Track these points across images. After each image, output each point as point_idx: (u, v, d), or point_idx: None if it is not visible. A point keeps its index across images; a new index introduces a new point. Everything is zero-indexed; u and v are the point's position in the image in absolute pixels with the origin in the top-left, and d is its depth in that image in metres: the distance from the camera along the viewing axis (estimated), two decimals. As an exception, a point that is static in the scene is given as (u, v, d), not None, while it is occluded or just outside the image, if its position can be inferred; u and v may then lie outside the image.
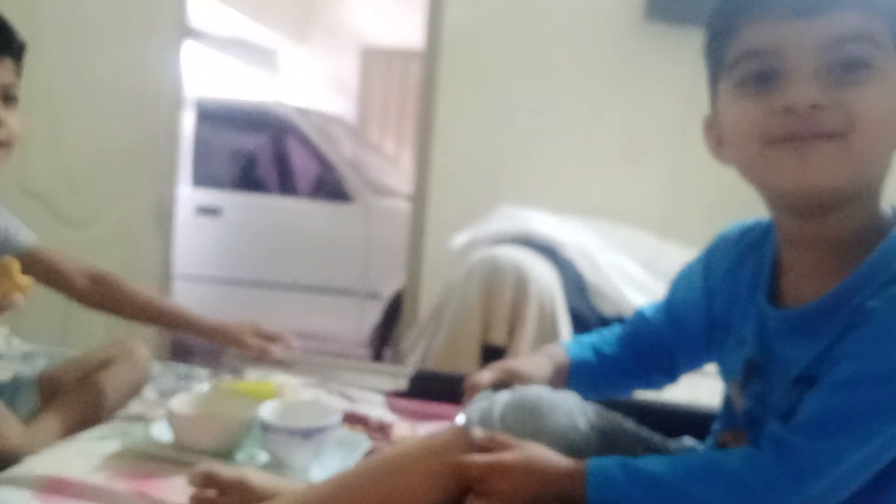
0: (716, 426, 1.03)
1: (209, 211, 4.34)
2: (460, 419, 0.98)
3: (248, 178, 4.62)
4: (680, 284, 1.11)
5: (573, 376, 1.10)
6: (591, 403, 1.01)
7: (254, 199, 4.45)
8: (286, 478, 1.11)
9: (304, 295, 4.29)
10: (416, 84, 6.47)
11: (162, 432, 1.24)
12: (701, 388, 1.30)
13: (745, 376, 0.93)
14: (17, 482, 1.08)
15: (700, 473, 0.83)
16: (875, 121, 0.78)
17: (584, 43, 3.09)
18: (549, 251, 2.44)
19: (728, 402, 1.01)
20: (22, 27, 1.34)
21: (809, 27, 0.78)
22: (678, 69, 2.64)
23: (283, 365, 1.61)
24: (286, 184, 4.60)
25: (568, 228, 2.68)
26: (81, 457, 1.19)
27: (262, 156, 4.69)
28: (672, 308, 1.11)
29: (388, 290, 4.15)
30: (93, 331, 2.26)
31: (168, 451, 1.21)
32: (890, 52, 0.79)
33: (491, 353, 2.18)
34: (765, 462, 0.81)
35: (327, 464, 1.19)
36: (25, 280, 1.07)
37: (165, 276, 3.20)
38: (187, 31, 3.24)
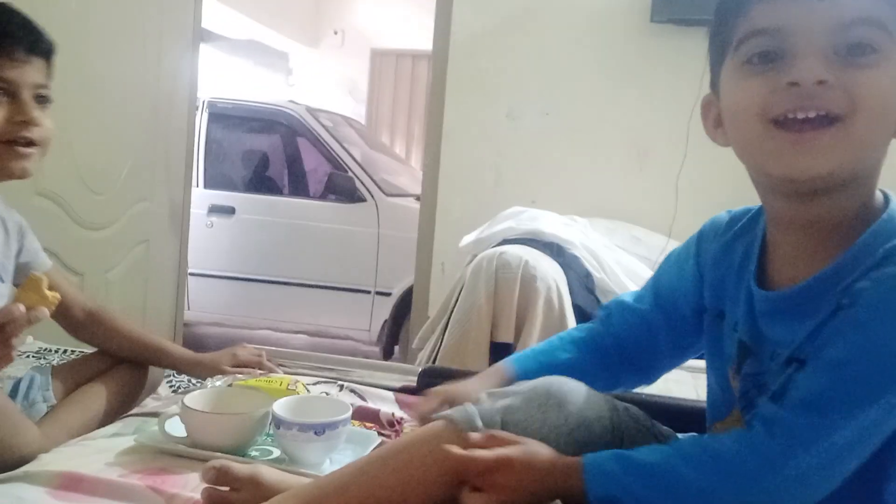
0: (707, 420, 1.04)
1: (222, 210, 4.38)
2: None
3: (259, 180, 4.65)
4: (666, 269, 1.12)
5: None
6: (604, 395, 1.00)
7: (265, 200, 4.48)
8: (298, 473, 1.12)
9: (316, 292, 4.33)
10: (424, 85, 6.49)
11: (175, 428, 1.25)
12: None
13: (738, 359, 0.94)
14: (32, 479, 1.10)
15: (694, 458, 0.83)
16: (876, 104, 0.79)
17: (591, 44, 3.10)
18: (555, 249, 2.45)
19: (714, 393, 1.02)
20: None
21: (819, 8, 0.79)
22: (684, 70, 2.66)
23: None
24: (297, 184, 4.63)
25: (574, 227, 2.70)
26: (95, 453, 1.21)
27: (274, 157, 4.72)
28: (659, 292, 1.12)
29: (399, 288, 4.19)
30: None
31: (182, 448, 1.22)
32: (894, 37, 0.79)
33: (499, 351, 2.20)
34: (757, 440, 0.81)
35: (339, 459, 1.20)
36: (53, 294, 1.10)
37: (180, 275, 3.23)
38: (200, 35, 3.27)
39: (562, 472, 0.86)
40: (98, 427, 1.40)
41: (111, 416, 1.48)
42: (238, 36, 6.31)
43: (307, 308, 4.37)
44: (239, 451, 1.22)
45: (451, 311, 2.34)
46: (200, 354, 1.64)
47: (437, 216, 3.27)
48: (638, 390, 1.24)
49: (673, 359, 1.15)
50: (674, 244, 2.84)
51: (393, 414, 1.46)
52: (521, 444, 0.89)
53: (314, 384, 1.62)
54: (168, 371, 1.74)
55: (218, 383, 1.44)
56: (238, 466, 1.04)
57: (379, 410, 1.47)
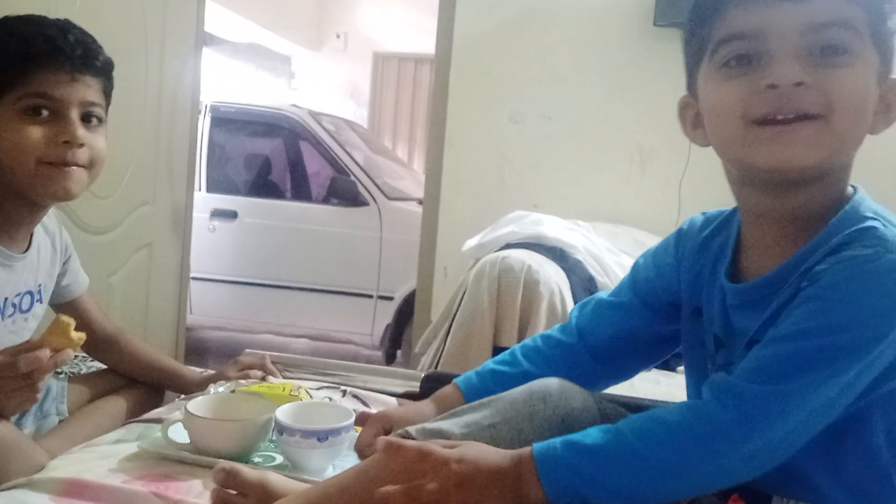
0: None
1: (225, 214, 4.38)
2: None
3: (261, 184, 4.66)
4: (644, 265, 1.15)
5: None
6: (594, 395, 1.02)
7: (268, 204, 4.49)
8: (302, 480, 1.12)
9: (318, 297, 4.33)
10: (427, 89, 6.50)
11: (179, 434, 1.25)
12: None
13: (715, 352, 0.96)
14: (36, 486, 1.10)
15: (644, 432, 0.82)
16: (852, 103, 0.82)
17: (594, 48, 3.11)
18: (558, 253, 2.46)
19: (691, 389, 1.05)
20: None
21: (793, 11, 0.81)
22: (687, 73, 2.66)
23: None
24: (300, 188, 4.63)
25: (577, 231, 2.70)
26: (99, 459, 1.21)
27: (277, 160, 4.72)
28: (637, 284, 1.14)
29: (401, 292, 4.19)
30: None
31: (185, 454, 1.21)
32: (866, 38, 0.82)
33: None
34: (708, 409, 0.80)
35: (342, 466, 1.19)
36: (79, 336, 1.13)
37: (182, 279, 3.23)
38: (203, 38, 3.27)
39: (510, 468, 0.83)
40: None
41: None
42: (241, 40, 6.32)
43: (309, 312, 4.37)
44: (242, 457, 1.22)
45: (454, 316, 2.34)
46: (208, 374, 1.65)
47: (440, 220, 3.27)
48: (624, 391, 1.26)
49: (648, 352, 1.17)
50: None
51: (396, 420, 1.45)
52: (456, 446, 0.87)
53: (317, 389, 1.62)
54: None
55: (221, 389, 1.44)
56: (247, 471, 1.05)
57: (382, 416, 1.47)
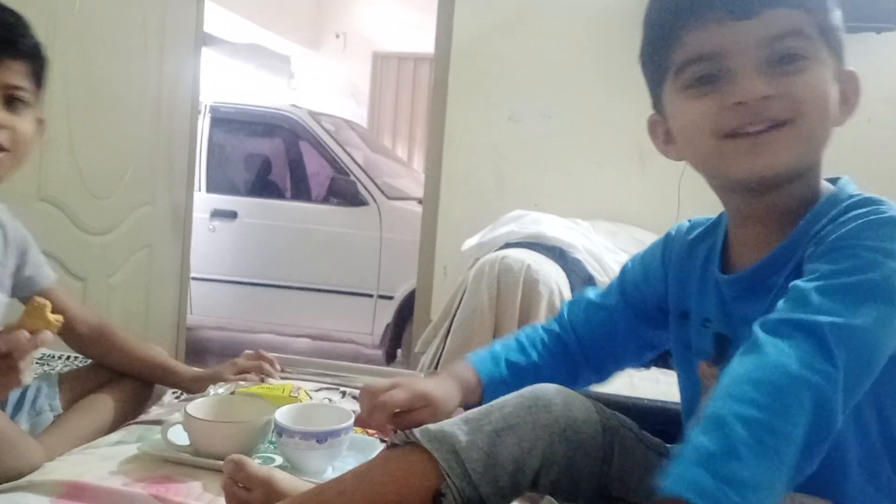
0: (683, 418, 1.06)
1: (225, 214, 4.39)
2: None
3: (261, 184, 4.66)
4: (632, 269, 1.17)
5: (487, 395, 1.09)
6: (588, 399, 1.01)
7: (267, 204, 4.49)
8: (308, 481, 1.12)
9: (318, 296, 4.33)
10: (426, 88, 6.50)
11: (178, 437, 1.25)
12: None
13: (718, 351, 0.97)
14: (36, 488, 1.10)
15: (751, 405, 0.69)
16: (816, 103, 0.85)
17: (592, 47, 3.10)
18: (557, 253, 2.45)
19: (685, 391, 1.05)
20: (39, 35, 1.31)
21: (747, 28, 0.84)
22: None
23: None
24: (300, 188, 4.64)
25: (577, 230, 2.70)
26: (99, 461, 1.21)
27: (276, 161, 4.72)
28: (625, 288, 1.16)
29: (401, 292, 4.19)
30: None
31: (185, 456, 1.22)
32: (817, 41, 0.86)
33: (502, 355, 2.19)
34: (796, 346, 0.73)
35: (341, 467, 1.19)
36: (56, 318, 1.12)
37: (182, 279, 3.23)
38: (202, 39, 3.28)
39: None
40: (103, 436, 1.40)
41: (117, 425, 1.48)
42: (240, 40, 6.32)
43: (310, 312, 4.37)
44: (242, 458, 1.22)
45: (454, 315, 2.34)
46: (201, 370, 1.64)
47: (440, 219, 3.27)
48: (624, 390, 1.27)
49: (631, 355, 1.19)
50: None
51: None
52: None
53: (316, 390, 1.62)
54: None
55: (220, 391, 1.44)
56: (254, 466, 1.05)
57: (381, 417, 1.47)
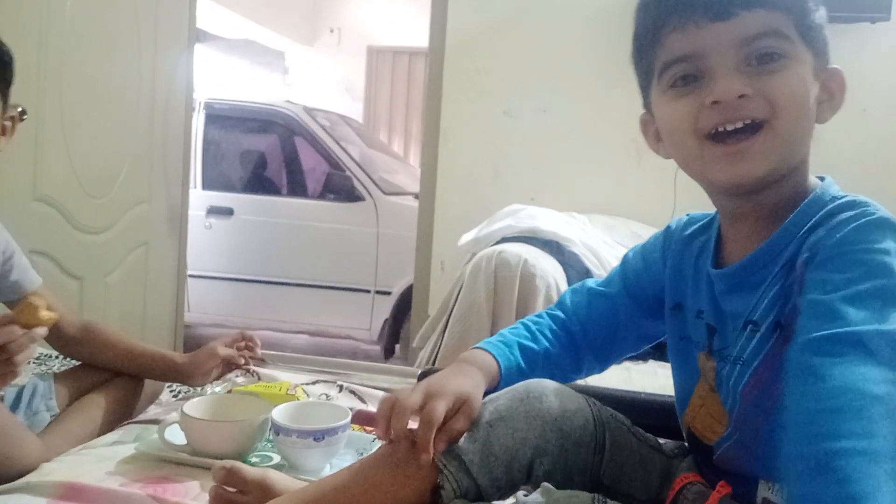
0: (677, 412, 1.07)
1: (221, 211, 4.38)
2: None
3: (257, 180, 4.65)
4: (633, 258, 1.18)
5: (504, 382, 1.07)
6: (587, 398, 1.03)
7: (264, 201, 4.49)
8: (301, 480, 1.12)
9: (316, 292, 4.33)
10: (422, 83, 6.48)
11: (175, 436, 1.25)
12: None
13: (709, 341, 0.99)
14: (33, 489, 1.10)
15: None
16: (793, 102, 0.87)
17: (587, 41, 3.09)
18: (554, 247, 2.45)
19: (681, 380, 1.06)
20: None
21: (725, 28, 0.86)
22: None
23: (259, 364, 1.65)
24: (296, 184, 4.63)
25: (573, 224, 2.70)
26: (96, 462, 1.21)
27: (272, 157, 4.72)
28: (626, 276, 1.17)
29: (398, 287, 4.19)
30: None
31: (182, 455, 1.22)
32: (795, 41, 0.87)
33: (500, 350, 2.20)
34: (859, 363, 0.72)
35: (339, 465, 1.19)
36: (49, 315, 1.14)
37: (179, 277, 3.23)
38: (196, 35, 3.27)
39: None
40: (101, 436, 1.40)
41: (115, 424, 1.47)
42: (234, 36, 6.30)
43: (307, 308, 4.37)
44: (239, 457, 1.22)
45: (451, 310, 2.34)
46: (194, 352, 1.63)
47: (436, 214, 3.27)
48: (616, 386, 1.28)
49: (630, 345, 1.19)
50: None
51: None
52: None
53: (313, 384, 1.62)
54: None
55: (217, 389, 1.44)
56: (248, 469, 1.06)
57: (379, 414, 1.47)
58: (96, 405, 1.51)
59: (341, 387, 1.64)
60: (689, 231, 1.08)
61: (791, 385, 0.75)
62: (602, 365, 1.21)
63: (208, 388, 1.46)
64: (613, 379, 1.33)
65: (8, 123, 1.33)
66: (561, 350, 1.16)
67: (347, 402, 1.50)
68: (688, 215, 1.12)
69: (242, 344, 1.69)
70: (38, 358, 1.88)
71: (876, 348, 0.72)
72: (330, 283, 4.31)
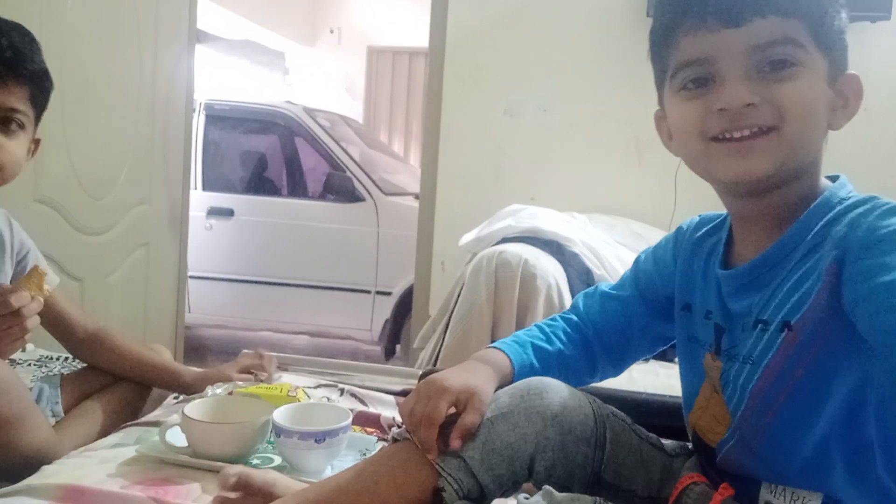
0: (684, 412, 1.07)
1: (221, 212, 4.38)
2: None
3: (257, 181, 4.65)
4: (645, 260, 1.19)
5: (517, 380, 1.07)
6: (587, 396, 1.04)
7: (264, 202, 4.48)
8: (303, 482, 1.12)
9: (317, 293, 4.33)
10: (422, 83, 6.48)
11: (176, 438, 1.25)
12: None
13: (716, 341, 0.99)
14: (35, 492, 1.10)
15: None
16: (802, 110, 0.86)
17: (587, 40, 3.09)
18: (555, 247, 2.45)
19: (686, 384, 1.06)
20: (44, 62, 1.33)
21: (737, 35, 0.87)
22: (682, 63, 2.65)
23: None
24: (296, 185, 4.63)
25: (574, 224, 2.69)
26: (98, 464, 1.21)
27: (272, 157, 4.72)
28: (638, 279, 1.18)
29: (399, 287, 4.19)
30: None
31: (183, 458, 1.22)
32: (809, 48, 0.87)
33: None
34: None
35: (340, 466, 1.19)
36: (46, 289, 1.23)
37: (180, 278, 3.23)
38: (197, 36, 3.27)
39: None
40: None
41: (116, 428, 1.47)
42: (234, 36, 6.30)
43: (308, 309, 4.37)
44: (240, 459, 1.22)
45: (452, 311, 2.34)
46: (204, 370, 1.64)
47: (437, 214, 3.27)
48: (618, 386, 1.28)
49: (645, 347, 1.21)
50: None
51: (394, 418, 1.46)
52: None
53: (314, 388, 1.62)
54: None
55: (218, 391, 1.44)
56: (256, 474, 1.06)
57: (380, 415, 1.47)
58: (101, 408, 1.52)
59: (342, 390, 1.64)
60: (700, 232, 1.09)
61: (887, 375, 0.76)
62: (617, 368, 1.22)
63: (209, 390, 1.45)
64: (615, 378, 1.32)
65: (32, 146, 1.36)
66: (575, 352, 1.17)
67: (349, 405, 1.50)
68: (700, 216, 1.12)
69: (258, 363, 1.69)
70: (38, 360, 1.88)
71: None
72: (330, 283, 4.31)
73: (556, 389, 1.00)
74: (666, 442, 1.10)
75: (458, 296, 2.33)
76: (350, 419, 1.23)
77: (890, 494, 0.83)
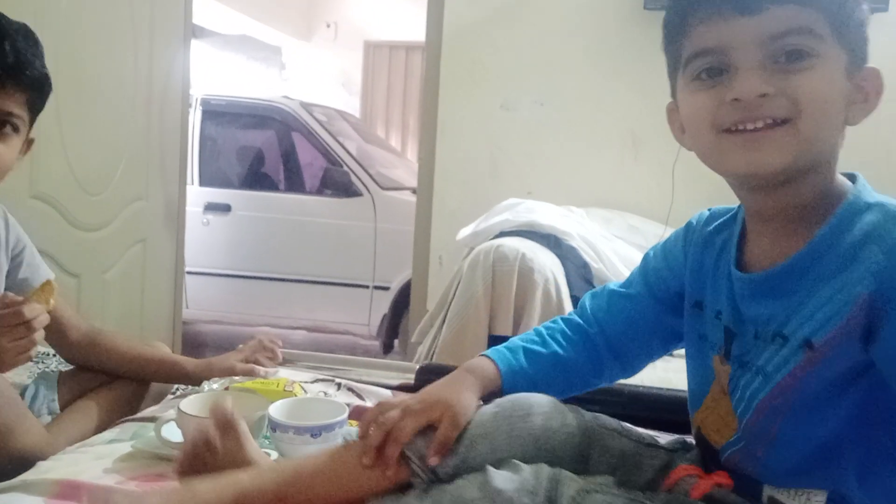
0: (689, 409, 1.05)
1: (218, 208, 4.38)
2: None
3: (254, 176, 4.65)
4: (654, 256, 1.16)
5: (507, 385, 1.08)
6: (569, 404, 1.03)
7: (261, 197, 4.48)
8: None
9: (314, 288, 4.33)
10: (419, 77, 6.47)
11: (172, 433, 1.24)
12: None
13: (726, 344, 0.96)
14: (30, 488, 1.09)
15: None
16: (818, 103, 0.83)
17: (584, 33, 3.09)
18: (552, 241, 2.45)
19: (693, 382, 1.05)
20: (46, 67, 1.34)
21: (752, 23, 0.84)
22: (678, 56, 2.64)
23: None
24: (293, 180, 4.62)
25: (571, 218, 2.69)
26: (93, 460, 1.21)
27: (269, 153, 4.71)
28: (647, 276, 1.15)
29: (397, 282, 4.19)
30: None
31: (178, 453, 1.21)
32: (827, 39, 0.84)
33: (497, 344, 2.19)
34: None
35: (335, 460, 1.20)
36: (53, 301, 1.27)
37: (177, 274, 3.22)
38: (193, 31, 3.26)
39: None
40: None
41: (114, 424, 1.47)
42: (230, 31, 6.29)
43: (306, 304, 4.37)
44: (236, 454, 1.22)
45: (450, 305, 2.34)
46: (206, 360, 1.63)
47: (434, 209, 3.26)
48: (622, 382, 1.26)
49: (656, 345, 1.17)
50: (671, 232, 2.86)
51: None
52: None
53: (311, 382, 1.62)
54: None
55: (215, 386, 1.44)
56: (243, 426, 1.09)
57: (376, 409, 1.46)
58: (97, 406, 1.51)
59: (339, 384, 1.63)
60: (710, 227, 1.06)
61: None
62: (625, 369, 1.19)
63: (205, 385, 1.45)
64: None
65: (24, 146, 1.35)
66: (575, 354, 1.14)
67: (345, 400, 1.50)
68: (709, 210, 1.10)
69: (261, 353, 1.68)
70: (35, 356, 1.87)
71: None
72: (328, 278, 4.30)
73: (541, 409, 0.98)
74: (664, 438, 1.09)
75: (456, 290, 2.33)
76: (346, 414, 1.23)
77: None
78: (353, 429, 1.32)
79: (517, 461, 0.92)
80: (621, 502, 0.88)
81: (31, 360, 1.69)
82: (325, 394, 1.57)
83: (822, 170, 0.88)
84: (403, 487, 0.98)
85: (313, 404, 1.29)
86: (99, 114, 2.62)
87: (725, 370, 0.96)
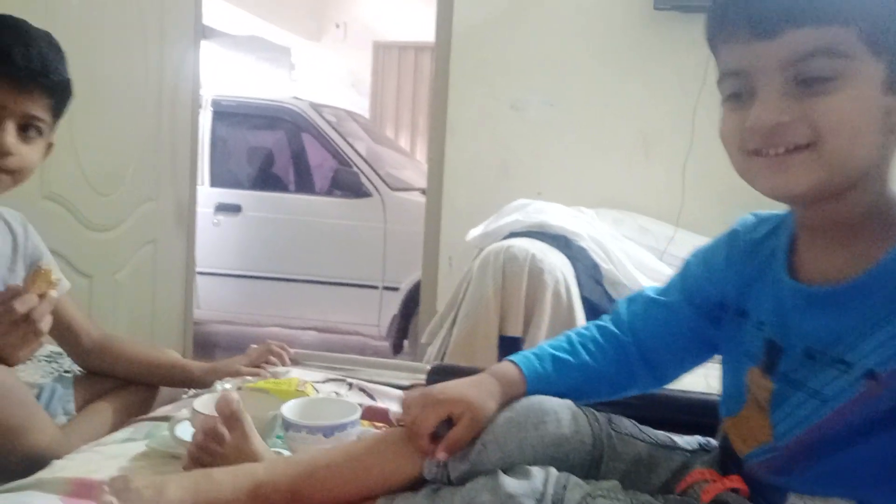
0: (721, 414, 1.03)
1: (229, 208, 4.39)
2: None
3: (264, 177, 4.66)
4: (694, 263, 1.11)
5: (531, 391, 1.05)
6: (585, 408, 1.02)
7: (271, 198, 4.49)
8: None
9: (324, 289, 4.34)
10: (428, 78, 6.48)
11: (186, 433, 1.25)
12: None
13: (768, 358, 0.93)
14: (44, 486, 1.10)
15: None
16: (842, 129, 0.80)
17: (594, 34, 3.09)
18: (562, 241, 2.45)
19: (728, 389, 1.01)
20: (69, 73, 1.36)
21: (771, 48, 0.81)
22: (688, 57, 2.63)
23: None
24: (303, 181, 4.63)
25: (581, 219, 2.69)
26: (107, 459, 1.21)
27: (279, 153, 4.72)
28: (686, 283, 1.11)
29: (407, 283, 4.19)
30: (118, 329, 2.30)
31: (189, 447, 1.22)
32: (858, 55, 0.79)
33: (507, 345, 2.20)
34: None
35: (348, 460, 1.20)
36: (56, 278, 1.23)
37: (188, 274, 3.24)
38: (202, 31, 3.27)
39: None
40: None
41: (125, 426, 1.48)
42: (240, 32, 6.31)
43: (316, 304, 4.38)
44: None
45: (460, 306, 2.34)
46: (213, 363, 1.64)
47: (444, 210, 3.27)
48: None
49: (692, 355, 1.13)
50: (682, 233, 2.86)
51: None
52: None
53: (323, 382, 1.62)
54: None
55: (228, 386, 1.44)
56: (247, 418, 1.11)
57: (388, 410, 1.47)
58: (111, 407, 1.51)
59: (350, 385, 1.64)
60: (758, 234, 1.02)
61: None
62: (658, 379, 1.15)
63: (218, 385, 1.46)
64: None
65: (45, 150, 1.38)
66: (606, 365, 1.10)
67: (357, 400, 1.50)
68: (754, 216, 1.05)
69: (267, 357, 1.69)
70: (48, 355, 1.88)
71: None
72: (338, 279, 4.31)
73: (553, 415, 0.98)
74: (683, 439, 1.07)
75: (466, 291, 2.33)
76: (359, 413, 1.24)
77: None
78: (366, 429, 1.33)
79: (527, 466, 0.92)
80: None
81: (43, 357, 1.71)
82: (337, 394, 1.57)
83: (867, 185, 0.84)
84: (414, 486, 0.99)
85: (326, 404, 1.30)
86: (110, 115, 2.63)
87: (766, 385, 0.92)
